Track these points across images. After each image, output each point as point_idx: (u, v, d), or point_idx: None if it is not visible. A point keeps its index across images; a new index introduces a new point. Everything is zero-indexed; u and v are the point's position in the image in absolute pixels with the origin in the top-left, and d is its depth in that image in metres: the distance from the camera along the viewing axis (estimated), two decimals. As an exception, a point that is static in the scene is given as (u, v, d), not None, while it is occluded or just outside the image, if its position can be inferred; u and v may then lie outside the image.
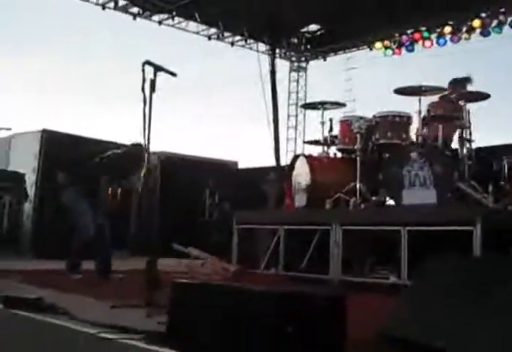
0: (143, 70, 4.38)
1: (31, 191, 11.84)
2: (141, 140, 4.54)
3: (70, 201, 7.08)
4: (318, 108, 7.65)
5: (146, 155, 4.72)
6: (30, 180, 12.00)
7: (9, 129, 9.75)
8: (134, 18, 14.88)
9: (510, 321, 1.93)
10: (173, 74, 4.60)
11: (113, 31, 19.10)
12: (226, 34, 16.41)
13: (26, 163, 12.44)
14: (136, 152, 6.95)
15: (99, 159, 7.11)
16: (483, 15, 13.51)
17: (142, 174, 4.78)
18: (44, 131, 12.47)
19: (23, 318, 3.70)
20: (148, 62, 4.43)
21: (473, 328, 2.01)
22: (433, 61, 14.47)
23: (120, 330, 3.14)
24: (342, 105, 7.93)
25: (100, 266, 6.87)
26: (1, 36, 20.24)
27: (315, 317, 2.68)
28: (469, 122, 6.64)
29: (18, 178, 11.75)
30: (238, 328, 2.62)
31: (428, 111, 7.06)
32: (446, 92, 7.10)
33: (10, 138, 12.99)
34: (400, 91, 6.86)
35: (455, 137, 6.88)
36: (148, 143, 4.49)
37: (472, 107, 6.74)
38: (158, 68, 4.46)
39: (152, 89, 4.40)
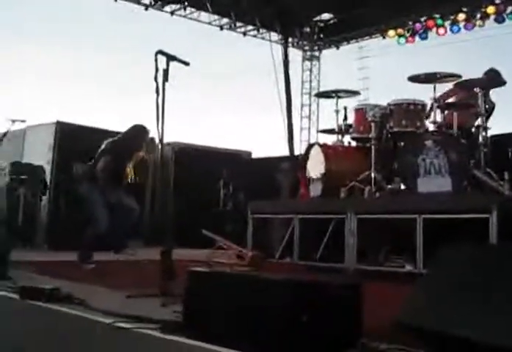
0: (156, 60, 4.37)
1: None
2: (155, 130, 4.53)
3: (86, 193, 7.18)
4: (332, 97, 7.62)
5: (160, 145, 4.72)
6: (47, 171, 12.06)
7: (23, 121, 9.75)
8: (146, 9, 14.86)
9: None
10: (186, 63, 4.58)
11: (125, 22, 19.06)
12: (238, 23, 16.38)
13: (40, 155, 12.48)
14: (135, 134, 7.23)
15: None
16: (498, 1, 13.38)
17: (156, 165, 4.83)
18: (58, 123, 12.51)
19: (39, 309, 3.71)
20: (161, 52, 4.41)
21: (491, 316, 1.99)
22: (447, 49, 14.33)
23: (136, 319, 3.15)
24: (356, 93, 7.89)
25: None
26: (13, 27, 20.26)
27: (331, 305, 2.67)
28: (486, 110, 6.58)
29: (33, 170, 11.80)
30: (253, 317, 2.61)
31: (443, 98, 7.02)
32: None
33: (24, 130, 13.03)
34: (414, 78, 6.81)
35: (475, 124, 6.83)
36: (162, 133, 4.47)
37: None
38: (170, 58, 4.44)
39: (165, 78, 4.38)
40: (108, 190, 7.13)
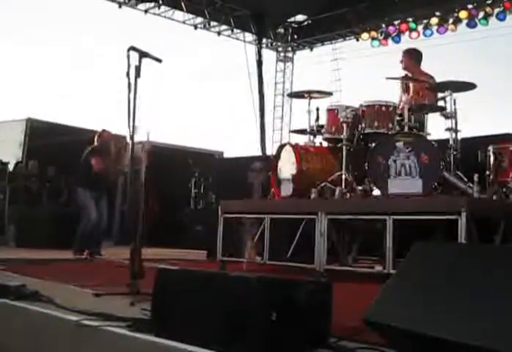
0: (128, 56, 4.33)
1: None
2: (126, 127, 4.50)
3: (77, 192, 8.48)
4: (305, 97, 7.62)
5: (130, 144, 4.68)
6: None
7: (-8, 117, 9.67)
8: (120, 6, 14.77)
9: (498, 305, 1.92)
10: (158, 60, 4.56)
11: (99, 20, 18.92)
12: (212, 23, 16.35)
13: (10, 152, 12.35)
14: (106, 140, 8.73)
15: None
16: (470, 6, 13.53)
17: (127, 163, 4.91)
18: (29, 120, 12.39)
19: (5, 306, 3.66)
20: (133, 48, 4.38)
21: (459, 315, 2.00)
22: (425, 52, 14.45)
23: (104, 317, 3.11)
24: (329, 94, 7.89)
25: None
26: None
27: (300, 304, 2.67)
28: (455, 112, 6.63)
29: (2, 167, 11.67)
30: (221, 315, 2.60)
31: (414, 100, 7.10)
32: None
33: (-6, 126, 12.89)
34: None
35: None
36: (133, 130, 4.43)
37: (458, 97, 6.71)
38: (143, 54, 4.41)
39: (137, 74, 4.35)
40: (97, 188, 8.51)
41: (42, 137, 11.44)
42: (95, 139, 8.95)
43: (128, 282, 4.13)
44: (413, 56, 7.69)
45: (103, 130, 8.94)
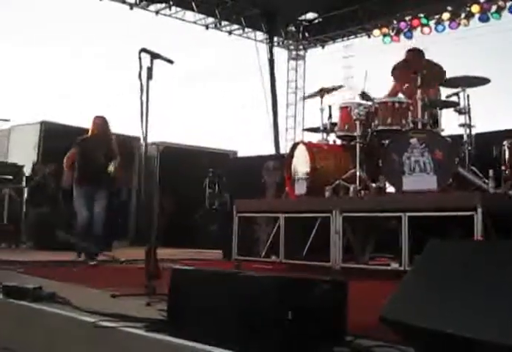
0: (139, 58, 4.35)
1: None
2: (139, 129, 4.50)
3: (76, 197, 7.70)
4: (317, 96, 7.61)
5: (144, 145, 4.70)
6: (30, 171, 12.02)
7: (7, 120, 9.73)
8: (131, 8, 14.83)
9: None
10: (170, 61, 4.57)
11: (110, 21, 18.98)
12: (223, 23, 16.37)
13: (25, 155, 12.44)
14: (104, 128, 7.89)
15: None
16: (482, 0, 13.44)
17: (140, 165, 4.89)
18: (43, 123, 12.46)
19: (23, 308, 3.68)
20: (144, 50, 4.39)
21: (477, 312, 1.98)
22: (435, 47, 14.36)
23: (120, 318, 3.12)
24: (341, 86, 7.81)
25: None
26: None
27: (317, 303, 2.66)
28: (469, 107, 6.60)
29: (18, 170, 11.76)
30: (238, 315, 2.60)
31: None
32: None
33: (9, 130, 12.99)
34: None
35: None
36: (146, 132, 4.44)
37: (472, 92, 6.67)
38: (154, 56, 4.42)
39: (149, 76, 4.36)
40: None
41: (57, 140, 11.49)
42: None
43: (145, 283, 4.14)
44: (416, 53, 7.64)
45: (95, 118, 8.04)
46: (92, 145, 7.78)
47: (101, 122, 7.93)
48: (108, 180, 7.76)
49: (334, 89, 7.64)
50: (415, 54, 7.58)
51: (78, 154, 7.87)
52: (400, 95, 7.31)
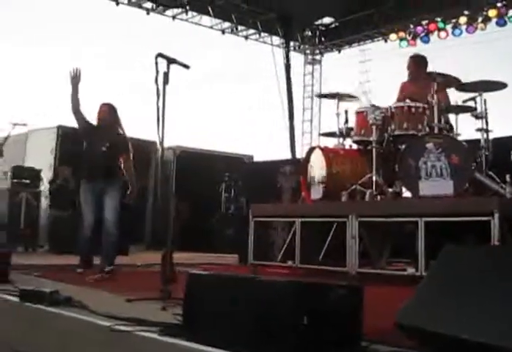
0: (156, 63, 4.37)
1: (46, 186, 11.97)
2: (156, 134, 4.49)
3: (81, 194, 6.78)
4: (334, 98, 7.59)
5: (160, 149, 4.72)
6: (46, 175, 12.10)
7: (24, 125, 9.80)
8: (148, 13, 14.91)
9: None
10: (186, 66, 4.58)
11: (127, 26, 19.07)
12: (240, 27, 16.40)
13: (42, 159, 12.52)
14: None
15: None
16: (499, 4, 13.39)
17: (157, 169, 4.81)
18: (59, 127, 12.54)
19: (39, 312, 3.70)
20: (161, 55, 4.41)
21: (493, 317, 1.97)
22: (452, 52, 14.33)
23: (136, 322, 3.13)
24: (355, 97, 7.82)
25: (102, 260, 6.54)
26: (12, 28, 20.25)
27: (332, 308, 2.66)
28: (485, 112, 6.56)
29: (35, 174, 11.84)
30: (253, 320, 2.60)
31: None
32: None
33: (26, 134, 13.08)
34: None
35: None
36: (162, 136, 4.46)
37: (489, 96, 6.64)
38: (170, 61, 4.44)
39: (166, 81, 4.38)
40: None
41: (74, 144, 11.55)
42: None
43: (160, 287, 4.15)
44: (416, 61, 7.64)
45: (101, 105, 6.95)
46: (97, 136, 6.76)
47: (108, 110, 6.88)
48: (118, 177, 6.75)
49: (349, 96, 7.65)
50: (416, 61, 7.60)
51: (87, 144, 6.99)
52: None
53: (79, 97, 6.69)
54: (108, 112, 6.86)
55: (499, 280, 2.10)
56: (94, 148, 6.78)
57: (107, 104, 6.93)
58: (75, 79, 6.59)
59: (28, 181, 11.66)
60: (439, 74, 6.58)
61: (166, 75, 4.41)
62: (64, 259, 7.70)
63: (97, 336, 3.13)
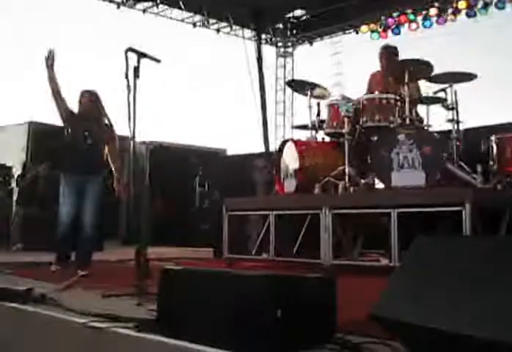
0: (126, 57, 4.33)
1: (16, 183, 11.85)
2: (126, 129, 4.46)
3: (61, 187, 6.51)
4: (305, 91, 7.56)
5: (132, 144, 4.68)
6: (17, 172, 11.99)
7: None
8: (118, 7, 14.79)
9: (500, 297, 1.92)
10: (157, 60, 4.55)
11: (97, 21, 18.90)
12: (211, 21, 16.35)
13: (13, 157, 12.39)
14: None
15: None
16: (469, -5, 13.50)
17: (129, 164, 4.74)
18: (31, 123, 12.42)
19: (13, 310, 3.67)
20: (131, 49, 4.37)
21: (466, 307, 2.00)
22: (423, 43, 14.40)
23: (111, 319, 3.12)
24: (325, 89, 7.79)
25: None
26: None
27: (306, 300, 2.67)
28: (456, 103, 6.62)
29: (6, 171, 11.72)
30: (228, 313, 2.61)
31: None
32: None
33: (-4, 130, 12.94)
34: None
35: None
36: (134, 131, 4.43)
37: (460, 87, 6.69)
38: (141, 55, 4.41)
39: (136, 75, 4.35)
40: None
41: (46, 140, 11.46)
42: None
43: (135, 283, 4.13)
44: (388, 51, 7.66)
45: (82, 92, 6.60)
46: (79, 126, 6.43)
47: (91, 98, 6.54)
48: (101, 171, 6.63)
49: (319, 86, 7.63)
50: (388, 51, 7.61)
51: (68, 134, 6.56)
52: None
53: (57, 79, 6.42)
54: (92, 100, 6.51)
55: (470, 270, 2.12)
56: (76, 140, 6.47)
57: (89, 91, 6.60)
58: (50, 60, 6.37)
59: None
60: (413, 60, 6.60)
61: (136, 69, 4.38)
62: (37, 257, 7.63)
63: (73, 334, 3.12)
